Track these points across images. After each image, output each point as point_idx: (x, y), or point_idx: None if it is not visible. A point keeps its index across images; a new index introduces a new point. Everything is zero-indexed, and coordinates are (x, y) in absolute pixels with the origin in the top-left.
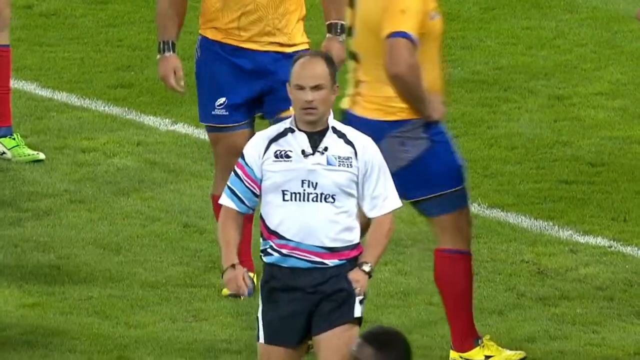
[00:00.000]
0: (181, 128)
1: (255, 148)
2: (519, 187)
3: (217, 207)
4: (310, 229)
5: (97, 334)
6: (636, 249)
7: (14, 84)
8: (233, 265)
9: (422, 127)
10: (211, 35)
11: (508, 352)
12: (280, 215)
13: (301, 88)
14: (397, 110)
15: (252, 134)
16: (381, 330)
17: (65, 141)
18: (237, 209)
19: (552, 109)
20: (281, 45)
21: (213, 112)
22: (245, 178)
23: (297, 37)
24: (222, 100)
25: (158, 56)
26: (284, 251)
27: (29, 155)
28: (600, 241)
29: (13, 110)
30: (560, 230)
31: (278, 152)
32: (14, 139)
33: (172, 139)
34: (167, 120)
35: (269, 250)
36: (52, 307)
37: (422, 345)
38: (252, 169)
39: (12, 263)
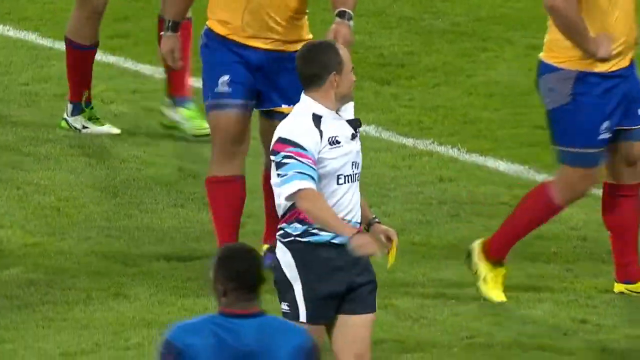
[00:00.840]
0: None
1: (310, 136)
2: (496, 133)
3: (210, 187)
4: (356, 207)
5: (95, 272)
6: None
7: (16, 34)
8: (358, 232)
9: (570, 80)
10: (217, 29)
11: None
12: (333, 198)
13: (352, 69)
14: (557, 54)
15: (248, 120)
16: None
17: (65, 89)
18: (314, 186)
19: (528, 58)
20: (283, 42)
21: (216, 90)
22: (310, 162)
23: (301, 34)
24: (225, 77)
25: (163, 33)
26: None
27: (204, 128)
28: None
29: (15, 59)
30: (536, 174)
31: (331, 139)
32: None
33: None
34: (162, 69)
35: (313, 231)
36: (53, 247)
37: (404, 283)
38: (313, 155)
39: (15, 205)
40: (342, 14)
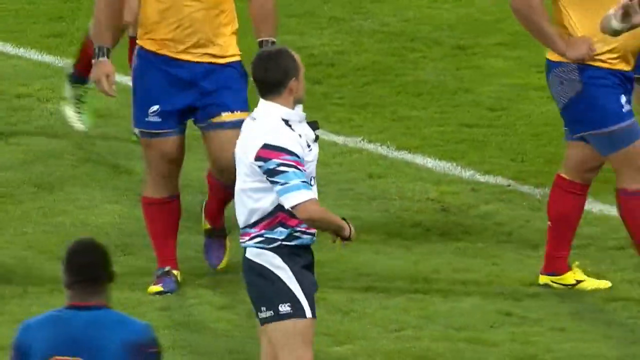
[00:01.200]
0: None
1: (298, 143)
2: (424, 131)
3: (147, 209)
4: None
5: (31, 267)
6: (533, 187)
7: None
8: (344, 219)
9: (575, 70)
10: (148, 45)
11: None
12: None
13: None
14: None
15: (183, 140)
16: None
17: (2, 87)
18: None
19: (455, 58)
20: (214, 56)
21: (146, 119)
22: (304, 170)
23: (230, 49)
24: (155, 107)
25: (93, 60)
26: (312, 231)
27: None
28: (500, 180)
29: None
30: (463, 171)
31: (306, 144)
32: None
33: None
34: None
35: (296, 234)
36: None
37: (334, 277)
38: (303, 161)
39: None
40: (264, 45)
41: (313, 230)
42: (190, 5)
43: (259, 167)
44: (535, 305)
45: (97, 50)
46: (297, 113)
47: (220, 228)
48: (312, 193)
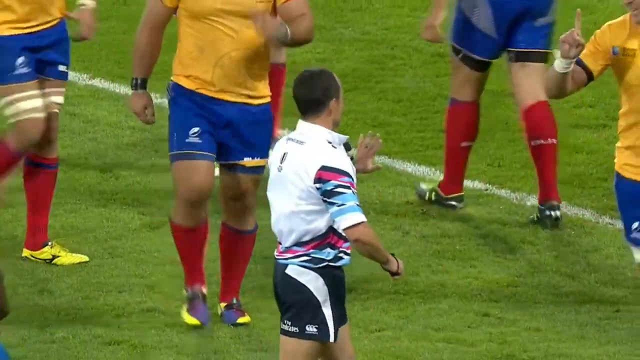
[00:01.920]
0: (98, 83)
1: (350, 165)
2: (404, 136)
3: (177, 234)
4: None
5: (21, 269)
6: (509, 191)
7: None
8: (393, 255)
9: None
10: (185, 83)
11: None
12: None
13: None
14: None
15: (214, 169)
16: None
17: None
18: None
19: (434, 65)
20: (249, 97)
21: (187, 140)
22: (356, 191)
23: (263, 90)
24: (196, 129)
25: (131, 91)
26: (349, 251)
27: None
28: (477, 185)
29: None
30: (441, 175)
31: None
32: None
33: (90, 92)
34: (85, 75)
35: (340, 255)
36: None
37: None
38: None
39: None
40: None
41: (349, 250)
42: (229, 46)
43: (317, 188)
44: (512, 306)
45: (135, 82)
46: (338, 135)
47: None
48: (364, 216)
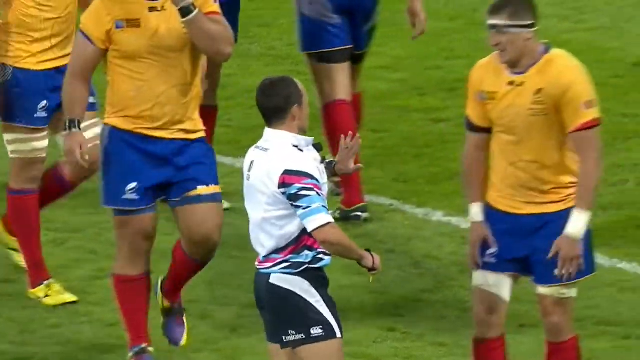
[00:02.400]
0: None
1: (315, 167)
2: None
3: (121, 286)
4: None
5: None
6: (414, 207)
7: None
8: (368, 251)
9: None
10: (121, 124)
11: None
12: None
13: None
14: None
15: (157, 217)
16: None
17: None
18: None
19: None
20: (187, 132)
21: (124, 197)
22: (322, 193)
23: (199, 124)
24: (133, 185)
25: (65, 132)
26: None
27: None
28: (383, 200)
29: None
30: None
31: (320, 167)
32: None
33: None
34: None
35: (319, 256)
36: None
37: (221, 295)
38: (320, 184)
39: None
40: None
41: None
42: (166, 82)
43: (282, 193)
44: (417, 321)
45: (68, 123)
46: (304, 138)
47: (179, 304)
48: (330, 217)
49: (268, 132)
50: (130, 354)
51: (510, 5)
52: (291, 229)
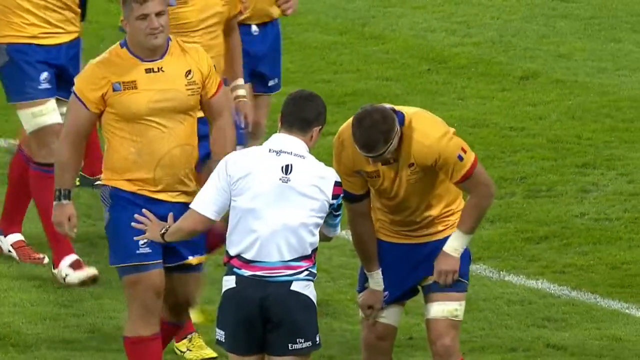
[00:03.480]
0: None
1: None
2: None
3: (135, 349)
4: None
5: None
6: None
7: None
8: None
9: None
10: (125, 186)
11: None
12: None
13: None
14: None
15: (164, 277)
16: None
17: None
18: None
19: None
20: (188, 194)
21: (138, 251)
22: None
23: (198, 184)
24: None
25: (55, 202)
26: None
27: None
28: None
29: None
30: None
31: None
32: None
33: None
34: None
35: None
36: None
37: None
38: None
39: None
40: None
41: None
42: (168, 144)
43: (331, 204)
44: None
45: (58, 193)
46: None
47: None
48: None
49: (291, 139)
50: None
51: (380, 140)
52: (318, 238)
